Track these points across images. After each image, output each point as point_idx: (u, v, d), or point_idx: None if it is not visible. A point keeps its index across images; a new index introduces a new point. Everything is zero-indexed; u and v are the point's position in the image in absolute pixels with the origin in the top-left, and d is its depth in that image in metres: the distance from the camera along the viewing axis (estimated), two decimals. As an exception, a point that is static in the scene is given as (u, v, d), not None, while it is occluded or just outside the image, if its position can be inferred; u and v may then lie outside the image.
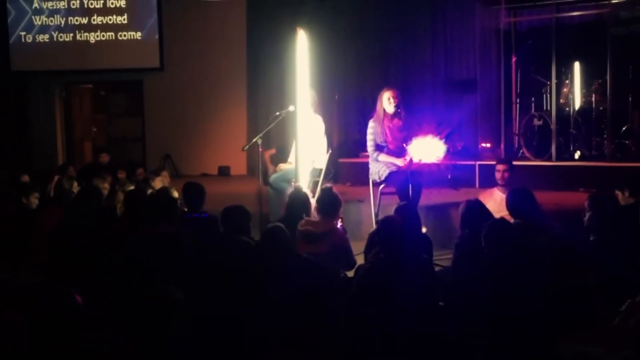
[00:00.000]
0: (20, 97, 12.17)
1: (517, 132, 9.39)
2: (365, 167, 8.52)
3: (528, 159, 8.84)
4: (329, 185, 5.64)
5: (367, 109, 10.17)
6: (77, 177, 8.06)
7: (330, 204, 5.23)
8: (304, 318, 3.73)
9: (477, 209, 4.85)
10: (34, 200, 6.48)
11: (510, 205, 5.05)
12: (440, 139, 6.93)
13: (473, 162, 8.91)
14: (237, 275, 3.90)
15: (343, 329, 3.98)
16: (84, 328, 3.14)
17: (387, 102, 6.63)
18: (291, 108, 7.06)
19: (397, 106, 6.58)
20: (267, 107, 11.36)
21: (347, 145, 10.25)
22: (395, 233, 4.12)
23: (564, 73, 8.97)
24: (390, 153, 6.60)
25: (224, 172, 11.67)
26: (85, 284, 3.89)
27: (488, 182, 8.35)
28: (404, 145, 6.47)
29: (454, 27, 10.21)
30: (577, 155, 8.82)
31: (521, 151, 9.07)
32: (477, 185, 8.77)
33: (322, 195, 5.34)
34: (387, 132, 6.60)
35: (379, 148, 6.65)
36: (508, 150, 9.23)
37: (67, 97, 12.63)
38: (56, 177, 7.75)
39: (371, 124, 6.73)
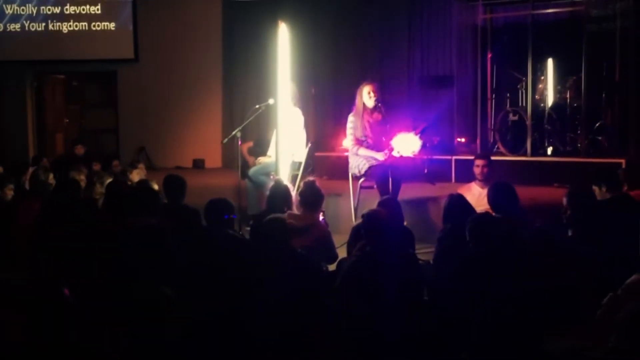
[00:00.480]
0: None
1: (492, 127, 9.48)
2: (341, 161, 8.58)
3: (503, 154, 8.93)
4: (311, 178, 5.64)
5: (344, 103, 10.22)
6: (52, 169, 7.94)
7: (312, 197, 5.24)
8: (298, 313, 3.74)
9: (460, 204, 4.89)
10: (9, 192, 6.38)
11: (492, 199, 5.11)
12: (416, 134, 6.99)
13: (449, 157, 8.98)
14: (228, 270, 3.89)
15: (329, 322, 4.00)
16: (74, 324, 3.11)
17: (367, 96, 6.66)
18: (271, 101, 7.06)
19: (377, 100, 6.61)
20: (242, 99, 11.35)
21: (323, 139, 10.26)
22: (380, 226, 4.15)
23: (540, 69, 9.08)
24: (370, 147, 6.63)
25: (198, 164, 11.61)
26: (69, 278, 3.86)
27: (464, 176, 8.44)
28: (384, 139, 6.51)
29: (430, 23, 10.28)
30: (549, 150, 8.94)
31: (496, 146, 9.16)
32: (453, 179, 8.84)
33: (304, 188, 5.35)
34: (367, 126, 6.63)
35: (358, 142, 6.67)
36: (483, 145, 9.31)
37: (39, 87, 12.44)
38: (30, 169, 7.65)
39: (351, 118, 6.76)
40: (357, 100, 6.73)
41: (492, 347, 3.65)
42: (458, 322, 3.86)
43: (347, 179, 7.38)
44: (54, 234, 4.84)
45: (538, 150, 8.82)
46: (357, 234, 4.68)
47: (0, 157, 10.78)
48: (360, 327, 3.82)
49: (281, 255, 4.09)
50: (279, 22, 6.50)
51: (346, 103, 9.99)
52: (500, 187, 5.16)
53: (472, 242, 4.07)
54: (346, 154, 7.57)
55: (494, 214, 5.13)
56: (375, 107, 6.63)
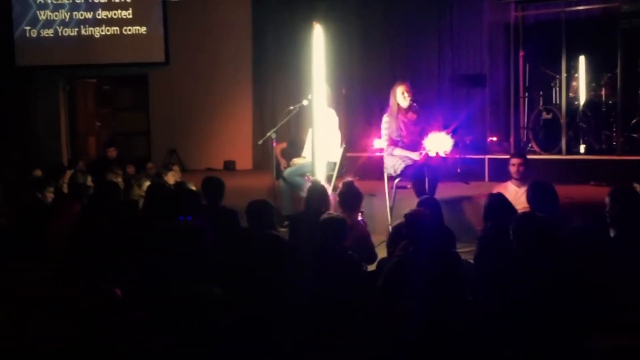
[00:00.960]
0: (24, 92, 12.14)
1: (525, 126, 9.41)
2: (372, 162, 8.58)
3: (536, 153, 8.87)
4: (349, 179, 5.65)
5: (374, 103, 10.24)
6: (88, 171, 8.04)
7: (351, 197, 5.26)
8: (341, 313, 3.75)
9: (501, 203, 4.86)
10: (49, 195, 6.49)
11: (531, 198, 5.07)
12: (447, 133, 6.96)
13: (482, 156, 8.94)
14: (270, 270, 3.91)
15: (371, 323, 4.00)
16: (124, 324, 3.15)
17: (401, 96, 6.65)
18: (305, 102, 7.09)
19: (411, 100, 6.60)
20: (273, 101, 11.40)
21: (353, 139, 10.26)
22: (422, 226, 4.14)
23: (573, 67, 9.00)
24: (405, 147, 6.62)
25: (229, 166, 11.66)
26: (112, 279, 3.89)
27: (497, 175, 8.41)
28: (419, 139, 6.50)
29: (460, 22, 10.22)
30: (582, 148, 8.86)
31: (529, 145, 9.10)
32: (486, 178, 8.81)
33: (343, 188, 5.36)
34: (402, 126, 6.63)
35: (393, 142, 6.66)
36: (516, 144, 9.26)
37: (71, 92, 12.59)
38: (68, 172, 7.74)
39: (385, 118, 6.75)
40: (391, 101, 6.72)
41: (534, 345, 3.64)
42: (501, 321, 3.85)
43: (379, 179, 7.39)
44: (96, 236, 4.89)
45: (572, 148, 8.75)
46: (397, 234, 4.67)
47: (35, 160, 10.93)
48: (404, 327, 3.81)
49: (331, 255, 4.11)
50: (314, 23, 6.50)
51: (377, 103, 10.06)
52: (539, 186, 5.11)
53: (516, 242, 4.04)
54: (378, 154, 7.59)
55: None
56: (409, 107, 6.62)
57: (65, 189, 7.39)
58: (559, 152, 8.68)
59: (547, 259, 3.97)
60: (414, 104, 6.60)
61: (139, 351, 3.16)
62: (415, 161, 6.48)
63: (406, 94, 6.58)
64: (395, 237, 4.69)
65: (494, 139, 9.78)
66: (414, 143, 6.57)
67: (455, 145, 7.51)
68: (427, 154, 6.43)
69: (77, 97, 12.74)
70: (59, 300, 3.32)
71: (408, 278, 3.93)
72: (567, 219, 4.94)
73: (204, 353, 3.19)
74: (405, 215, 4.29)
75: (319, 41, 6.54)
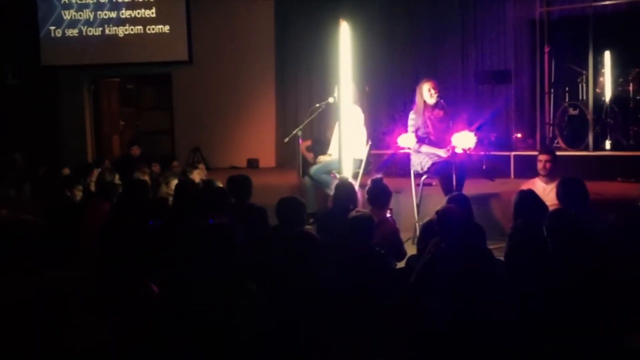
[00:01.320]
0: (49, 91, 12.25)
1: (551, 122, 9.35)
2: (397, 159, 8.55)
3: (563, 149, 8.80)
4: (378, 175, 5.64)
5: (397, 100, 10.20)
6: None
7: (380, 194, 5.25)
8: (371, 311, 3.75)
9: (531, 199, 4.83)
10: (78, 194, 6.55)
11: (562, 195, 5.04)
12: (471, 130, 6.94)
13: (508, 153, 8.89)
14: (301, 267, 3.92)
15: (402, 319, 4.00)
16: (161, 321, 3.17)
17: (427, 93, 6.64)
18: (331, 99, 7.10)
19: (438, 97, 6.59)
20: (296, 99, 11.40)
21: (376, 136, 10.24)
22: (454, 223, 4.13)
23: (599, 62, 8.91)
24: (432, 144, 6.61)
25: (252, 164, 11.69)
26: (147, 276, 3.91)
27: (523, 172, 8.37)
28: (446, 135, 6.49)
29: (484, 18, 10.17)
30: (609, 144, 8.78)
31: (555, 141, 9.04)
32: (512, 175, 8.77)
33: (372, 185, 5.36)
34: (429, 123, 6.62)
35: (420, 139, 6.65)
36: (542, 140, 9.20)
37: (95, 91, 12.68)
38: (96, 171, 7.80)
39: (412, 115, 6.74)
40: (418, 98, 6.71)
41: (566, 343, 3.62)
42: (533, 318, 3.83)
43: (403, 176, 7.38)
44: (126, 234, 4.92)
45: (599, 144, 8.67)
46: (428, 231, 4.65)
47: (61, 159, 11.03)
48: (436, 324, 3.80)
49: (359, 253, 4.11)
50: (340, 20, 6.50)
51: (400, 100, 10.03)
52: (570, 183, 5.09)
53: (550, 238, 4.02)
54: (401, 151, 7.57)
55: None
56: (436, 104, 6.60)
57: (92, 188, 7.45)
58: (586, 149, 8.60)
59: (581, 256, 3.94)
60: (441, 101, 6.59)
61: (175, 347, 3.18)
62: (442, 158, 6.46)
63: (433, 91, 6.57)
64: (426, 234, 4.68)
65: (519, 135, 9.73)
66: (441, 140, 6.56)
67: (480, 142, 7.49)
68: (454, 151, 6.40)
69: (101, 97, 12.83)
70: (96, 298, 3.35)
71: (441, 275, 3.92)
72: (599, 216, 4.91)
73: (239, 350, 3.21)
74: (437, 212, 4.28)
75: (345, 38, 6.53)
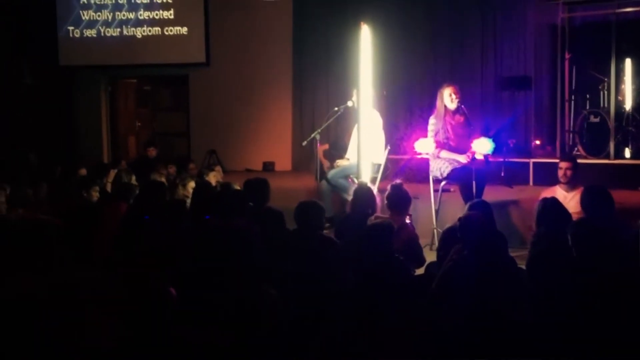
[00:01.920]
0: (66, 91, 12.28)
1: (571, 129, 9.25)
2: (414, 164, 8.48)
3: (582, 157, 8.69)
4: (398, 181, 5.58)
5: (415, 105, 10.14)
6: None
7: (400, 199, 5.20)
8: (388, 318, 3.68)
9: (555, 207, 4.75)
10: (95, 194, 6.53)
11: (586, 203, 4.95)
12: (489, 136, 6.87)
13: (527, 160, 8.81)
14: (320, 272, 3.87)
15: (423, 327, 3.93)
16: (178, 323, 3.13)
17: (448, 98, 6.58)
18: (349, 103, 7.05)
19: (459, 102, 6.52)
20: (313, 102, 11.36)
21: (394, 141, 10.16)
22: (477, 229, 4.07)
23: (622, 69, 8.81)
24: (452, 149, 6.54)
25: (268, 167, 11.64)
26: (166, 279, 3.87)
27: (542, 179, 8.28)
28: (467, 141, 6.42)
29: (504, 23, 10.09)
30: (630, 153, 8.67)
31: (575, 149, 8.93)
32: (531, 182, 8.67)
33: (391, 190, 5.30)
34: (449, 128, 6.55)
35: (440, 144, 6.58)
36: (562, 147, 9.10)
37: (112, 91, 12.70)
38: (112, 171, 7.78)
39: (432, 120, 6.68)
40: (438, 103, 6.65)
41: (595, 354, 3.54)
42: (559, 328, 3.75)
43: (420, 181, 7.32)
44: (144, 236, 4.89)
45: (620, 152, 8.56)
46: (449, 237, 4.58)
47: (76, 159, 11.03)
48: (459, 332, 3.74)
49: (379, 260, 4.05)
50: (361, 23, 6.45)
51: (417, 105, 9.96)
52: (595, 190, 5.00)
53: (575, 247, 3.94)
54: (419, 156, 7.51)
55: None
56: (457, 109, 6.53)
57: (109, 188, 7.43)
58: (607, 157, 8.50)
59: (606, 265, 3.86)
60: (462, 106, 6.52)
61: (194, 351, 3.13)
62: (462, 164, 6.39)
63: (454, 96, 6.51)
64: (447, 241, 4.61)
65: (538, 142, 9.63)
66: (461, 145, 6.49)
67: (499, 148, 7.42)
68: (474, 157, 6.34)
69: (118, 97, 12.83)
70: (114, 300, 3.30)
71: (463, 283, 3.85)
72: (624, 224, 4.83)
73: (258, 354, 3.16)
74: (459, 219, 4.21)
75: (365, 41, 6.47)
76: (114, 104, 12.75)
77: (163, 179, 7.12)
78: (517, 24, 9.97)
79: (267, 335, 3.17)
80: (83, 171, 7.85)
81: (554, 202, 4.80)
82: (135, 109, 13.07)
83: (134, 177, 6.94)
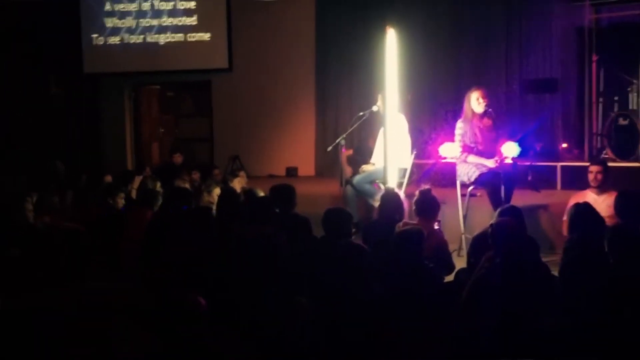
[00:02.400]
0: (90, 99, 12.34)
1: (599, 132, 9.11)
2: (439, 168, 8.39)
3: (611, 160, 8.55)
4: (426, 186, 5.50)
5: (439, 109, 10.03)
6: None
7: (429, 205, 5.12)
8: (418, 326, 3.62)
9: (588, 212, 4.65)
10: (120, 201, 6.53)
11: (620, 208, 4.85)
12: (516, 140, 6.77)
13: (554, 163, 8.68)
14: (349, 280, 3.81)
15: (456, 334, 3.87)
16: (209, 334, 3.08)
17: (475, 102, 6.50)
18: (375, 108, 7.00)
19: (486, 106, 6.44)
20: (336, 107, 11.31)
21: (419, 146, 10.07)
22: (509, 236, 3.99)
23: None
24: (480, 154, 6.45)
25: (291, 173, 11.60)
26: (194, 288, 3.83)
27: (570, 183, 8.15)
28: (495, 145, 6.34)
29: (530, 25, 9.96)
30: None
31: (604, 152, 8.79)
32: (559, 186, 8.54)
33: (420, 196, 5.23)
34: (477, 132, 6.47)
35: (467, 149, 6.50)
36: (590, 150, 8.97)
37: (136, 98, 12.74)
38: (137, 178, 7.78)
39: (459, 124, 6.60)
40: (466, 106, 6.58)
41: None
42: (593, 336, 3.66)
43: (445, 186, 7.22)
44: (170, 243, 4.86)
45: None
46: (480, 243, 4.51)
47: (101, 166, 11.08)
48: (491, 340, 3.66)
49: (408, 267, 3.99)
50: (388, 27, 6.39)
51: (442, 109, 9.86)
52: (630, 195, 4.89)
53: (611, 253, 3.84)
54: (444, 160, 7.42)
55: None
56: (484, 113, 6.45)
57: (134, 195, 7.43)
58: (636, 160, 8.35)
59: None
60: (489, 110, 6.43)
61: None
62: (490, 168, 6.30)
63: (481, 100, 6.43)
64: (477, 247, 4.54)
65: (565, 145, 9.50)
66: (489, 150, 6.40)
67: (525, 152, 7.31)
68: (502, 161, 6.25)
69: (142, 104, 12.87)
70: (142, 310, 3.27)
71: (496, 290, 3.78)
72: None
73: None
74: (491, 225, 4.13)
75: (391, 45, 6.41)
76: (137, 110, 12.78)
77: (187, 186, 7.11)
78: (543, 26, 9.84)
79: (299, 345, 3.12)
80: (108, 178, 7.87)
81: (587, 207, 4.70)
82: (158, 115, 13.10)
83: (159, 184, 6.92)
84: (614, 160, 8.51)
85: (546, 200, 7.63)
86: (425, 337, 3.84)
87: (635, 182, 8.02)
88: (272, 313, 3.09)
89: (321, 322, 3.47)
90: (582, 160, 8.63)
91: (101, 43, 11.93)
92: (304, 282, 4.13)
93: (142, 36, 11.85)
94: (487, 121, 6.48)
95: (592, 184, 6.39)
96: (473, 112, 6.48)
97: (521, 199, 7.70)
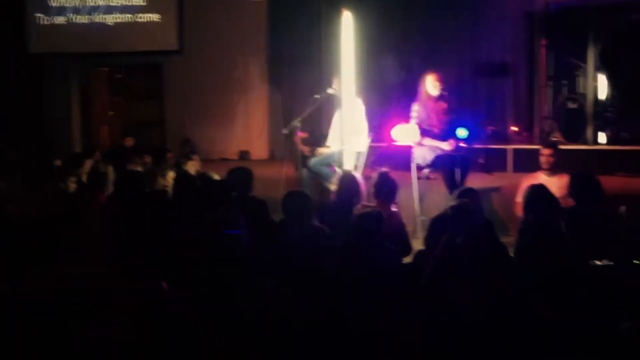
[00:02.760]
0: (36, 80, 11.98)
1: (549, 115, 9.28)
2: (393, 151, 8.43)
3: (561, 143, 8.72)
4: (384, 169, 5.52)
5: (392, 92, 10.05)
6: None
7: (387, 188, 5.14)
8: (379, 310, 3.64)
9: (543, 194, 4.72)
10: (72, 185, 6.39)
11: (574, 190, 4.94)
12: (466, 123, 6.84)
13: (505, 146, 8.81)
14: (310, 263, 3.80)
15: (417, 316, 3.90)
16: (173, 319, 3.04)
17: (431, 85, 6.53)
18: (330, 90, 6.95)
19: (442, 89, 6.48)
20: (289, 90, 11.20)
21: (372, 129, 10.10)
22: (470, 218, 4.03)
23: (599, 55, 8.83)
24: (435, 137, 6.50)
25: (244, 156, 11.52)
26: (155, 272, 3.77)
27: (521, 166, 8.29)
28: (450, 128, 6.39)
29: (482, 10, 10.04)
30: (604, 138, 8.72)
31: (553, 134, 8.96)
32: (510, 169, 8.68)
33: (378, 179, 5.24)
34: (432, 115, 6.50)
35: (424, 132, 6.54)
36: (540, 134, 9.13)
37: (84, 80, 12.42)
38: (87, 162, 7.62)
39: (415, 107, 6.63)
40: (421, 89, 6.60)
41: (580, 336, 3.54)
42: (550, 313, 3.74)
43: (398, 169, 7.26)
44: (129, 228, 4.77)
45: (598, 138, 8.62)
46: (438, 226, 4.55)
47: (49, 150, 10.80)
48: (455, 319, 3.70)
49: (372, 249, 4.00)
50: (343, 10, 6.36)
51: (394, 92, 9.88)
52: (582, 177, 4.99)
53: (571, 236, 3.92)
54: (397, 143, 7.45)
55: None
56: (440, 96, 6.49)
57: (84, 179, 7.26)
58: (585, 142, 8.54)
59: (599, 251, 3.87)
60: (445, 93, 6.48)
61: (189, 346, 3.05)
62: (445, 151, 6.36)
63: (437, 83, 6.46)
64: (436, 229, 4.57)
65: (516, 129, 9.65)
66: (444, 133, 6.45)
67: (477, 135, 7.40)
68: (457, 144, 6.31)
69: (90, 86, 12.56)
70: (106, 294, 3.21)
71: (458, 271, 3.82)
72: (612, 211, 4.82)
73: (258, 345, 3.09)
74: (452, 207, 4.17)
75: (347, 28, 6.39)
76: (85, 93, 12.47)
77: (140, 169, 6.99)
78: (494, 10, 9.92)
79: (264, 326, 3.10)
80: (58, 162, 7.69)
81: (542, 189, 4.77)
82: (108, 98, 12.79)
83: (111, 168, 6.79)
84: (563, 143, 8.69)
85: (498, 182, 7.73)
86: (386, 319, 3.86)
87: (584, 164, 8.19)
88: (236, 296, 3.07)
89: (285, 305, 3.45)
90: (532, 143, 8.78)
91: (46, 23, 11.58)
92: (266, 266, 4.11)
93: (88, 16, 11.53)
94: (442, 104, 6.53)
95: (543, 166, 6.49)
96: (428, 95, 6.52)
97: (473, 181, 7.80)
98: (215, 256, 3.65)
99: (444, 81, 6.52)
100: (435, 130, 6.51)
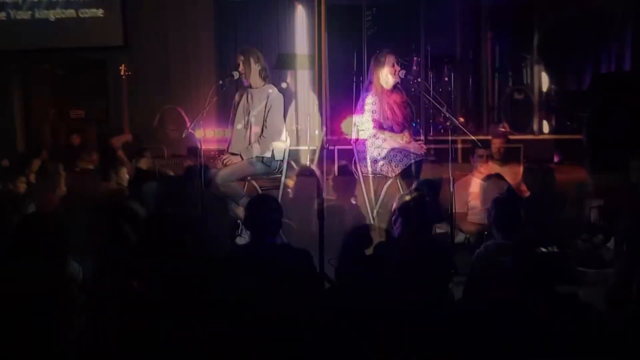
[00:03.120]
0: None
1: (495, 106, 9.47)
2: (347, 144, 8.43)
3: (509, 133, 8.89)
4: (343, 162, 5.49)
5: (338, 86, 10.05)
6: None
7: (347, 181, 5.14)
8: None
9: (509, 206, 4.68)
10: (21, 185, 6.24)
11: (531, 182, 5.05)
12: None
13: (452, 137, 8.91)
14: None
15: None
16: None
17: (386, 76, 6.36)
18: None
19: (397, 79, 6.34)
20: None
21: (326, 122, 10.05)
22: (422, 210, 4.10)
23: (543, 46, 9.06)
24: (391, 130, 6.40)
25: (194, 152, 11.37)
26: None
27: (468, 157, 8.40)
28: (406, 121, 6.40)
29: (430, 3, 10.14)
30: (547, 127, 8.95)
31: (501, 125, 9.15)
32: (459, 159, 8.80)
33: (338, 173, 5.23)
34: (387, 108, 6.40)
35: (378, 125, 6.41)
36: (487, 125, 9.32)
37: (25, 78, 12.08)
38: (35, 161, 7.43)
39: (369, 99, 6.44)
40: (374, 80, 6.43)
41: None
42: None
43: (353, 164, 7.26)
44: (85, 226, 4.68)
45: (545, 128, 8.85)
46: (400, 218, 4.57)
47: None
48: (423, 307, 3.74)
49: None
50: (296, 3, 6.32)
51: (340, 86, 9.87)
52: (538, 170, 5.08)
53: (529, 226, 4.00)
54: (348, 136, 7.40)
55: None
56: (394, 87, 6.41)
57: (32, 179, 7.08)
58: (531, 132, 8.75)
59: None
60: (399, 84, 6.43)
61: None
62: (401, 145, 6.32)
63: (391, 75, 6.35)
64: (399, 221, 4.59)
65: (463, 120, 9.78)
66: (401, 126, 6.41)
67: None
68: (411, 137, 6.34)
69: (31, 83, 12.23)
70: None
71: (425, 263, 3.85)
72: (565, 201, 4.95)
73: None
74: (411, 199, 4.21)
75: (300, 21, 6.37)
76: (26, 91, 12.13)
77: (91, 167, 6.88)
78: (442, 3, 10.04)
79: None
80: (5, 162, 7.47)
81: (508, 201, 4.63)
82: (50, 95, 12.47)
83: (61, 166, 6.63)
84: (510, 134, 8.87)
85: (445, 173, 7.81)
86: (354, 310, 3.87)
87: (531, 153, 8.39)
88: (209, 295, 3.05)
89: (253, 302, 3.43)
90: (480, 134, 8.92)
91: (-15, 19, 11.22)
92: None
93: (30, 12, 11.23)
94: (397, 96, 6.45)
95: (495, 156, 6.62)
96: (382, 88, 6.40)
97: (422, 172, 7.91)
98: (181, 254, 3.61)
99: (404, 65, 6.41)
100: (390, 122, 6.40)
